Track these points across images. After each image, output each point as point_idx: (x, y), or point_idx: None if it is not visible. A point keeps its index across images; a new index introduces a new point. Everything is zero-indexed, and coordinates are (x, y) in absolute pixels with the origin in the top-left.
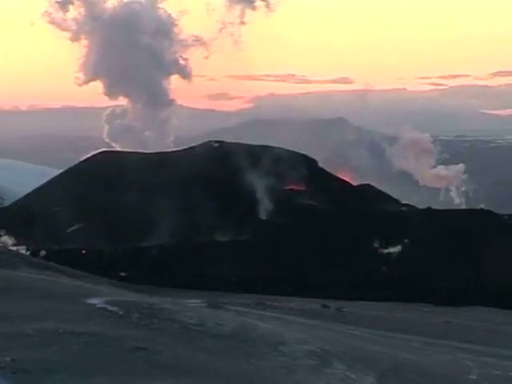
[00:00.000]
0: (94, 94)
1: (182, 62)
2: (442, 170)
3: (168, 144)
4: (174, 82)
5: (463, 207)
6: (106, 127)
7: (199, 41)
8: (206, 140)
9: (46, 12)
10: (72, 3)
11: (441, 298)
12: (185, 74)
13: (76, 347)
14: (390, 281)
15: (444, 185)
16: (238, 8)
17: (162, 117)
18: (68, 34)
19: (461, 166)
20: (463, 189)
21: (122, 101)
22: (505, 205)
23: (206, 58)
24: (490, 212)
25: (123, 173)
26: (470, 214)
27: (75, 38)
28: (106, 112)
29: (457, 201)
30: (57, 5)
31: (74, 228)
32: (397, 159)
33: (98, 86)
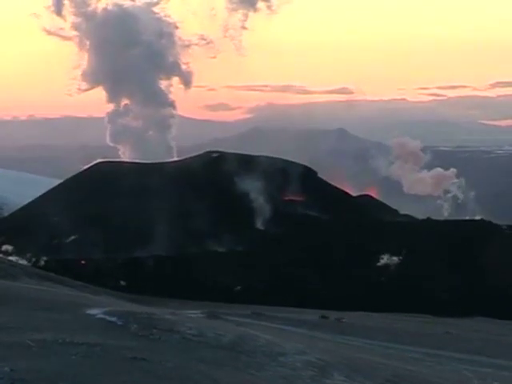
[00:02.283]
0: (93, 104)
1: (183, 68)
2: (440, 180)
3: (167, 152)
4: (175, 91)
5: (462, 217)
6: (108, 130)
7: (200, 47)
8: (204, 150)
9: (44, 22)
10: (70, 11)
11: (440, 308)
12: (186, 81)
13: (75, 357)
14: (389, 291)
15: (442, 194)
16: (237, 19)
17: (162, 121)
18: (67, 42)
19: (459, 177)
20: (461, 198)
21: (123, 106)
22: (504, 215)
23: (207, 66)
24: (490, 222)
25: (121, 183)
26: (470, 224)
27: (75, 46)
28: (108, 115)
29: (455, 211)
30: (54, 13)
31: (72, 238)
32: (396, 169)
33: (96, 94)
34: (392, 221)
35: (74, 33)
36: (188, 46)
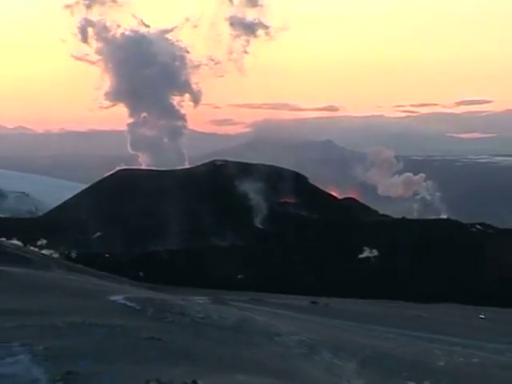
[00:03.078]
0: (115, 119)
1: (193, 87)
2: (410, 183)
3: (179, 160)
4: (186, 107)
5: (429, 217)
6: (129, 140)
7: (209, 68)
8: (210, 159)
9: (73, 48)
10: (93, 37)
11: (412, 295)
12: (195, 99)
13: (99, 337)
14: (370, 281)
15: (415, 197)
16: (240, 44)
17: (174, 133)
18: (93, 66)
19: (427, 181)
20: (429, 200)
21: (141, 119)
22: (467, 215)
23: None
24: (455, 221)
25: (139, 187)
26: (438, 222)
27: (100, 69)
28: (128, 127)
29: (424, 210)
30: (80, 40)
31: (98, 235)
32: (376, 175)
33: (117, 110)
34: (372, 220)
35: (98, 57)
36: (198, 67)
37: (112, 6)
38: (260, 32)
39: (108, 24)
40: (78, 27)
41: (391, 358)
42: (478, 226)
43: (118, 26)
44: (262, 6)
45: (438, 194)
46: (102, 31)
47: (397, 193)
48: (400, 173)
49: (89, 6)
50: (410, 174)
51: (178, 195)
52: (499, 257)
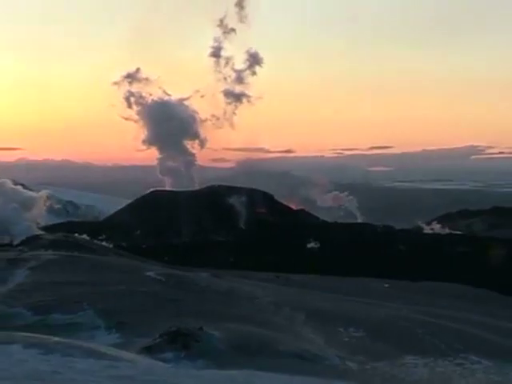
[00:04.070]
0: (150, 157)
1: (201, 136)
2: (340, 199)
3: (191, 184)
4: (195, 148)
5: (352, 221)
6: (158, 170)
7: (210, 124)
8: (211, 184)
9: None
10: (135, 104)
11: (344, 272)
12: (201, 144)
13: (139, 299)
14: (314, 262)
15: (341, 207)
16: (231, 108)
17: (187, 165)
18: (133, 123)
19: (351, 197)
20: (351, 209)
21: (166, 157)
22: (376, 219)
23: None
24: (368, 224)
25: (164, 201)
26: (357, 224)
27: (139, 125)
28: (159, 161)
29: (347, 216)
30: (126, 106)
31: (138, 232)
32: (317, 193)
33: (151, 152)
34: (315, 223)
35: (137, 117)
36: (204, 122)
37: (146, 82)
38: (244, 100)
39: (143, 94)
40: (124, 97)
41: (330, 313)
42: (382, 227)
43: (150, 95)
44: (246, 83)
45: (356, 205)
46: (140, 99)
47: (330, 204)
48: (332, 191)
49: (130, 82)
50: (338, 192)
51: (190, 206)
52: (396, 246)
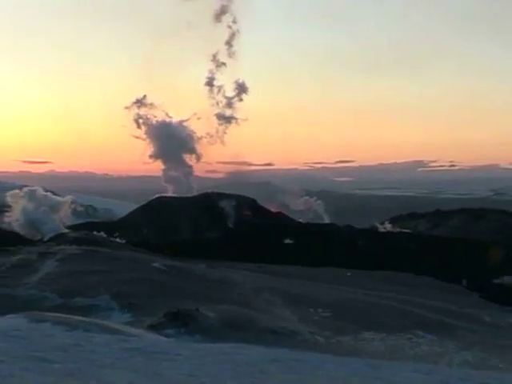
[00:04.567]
0: (155, 168)
1: (197, 151)
2: (311, 203)
3: (189, 191)
4: (192, 161)
5: (320, 221)
6: (163, 179)
7: (205, 141)
8: (205, 191)
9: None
10: (143, 125)
11: (313, 263)
12: (198, 157)
13: (146, 285)
14: (290, 255)
15: (311, 210)
16: (222, 129)
17: (186, 175)
18: (141, 141)
19: (319, 201)
20: (319, 211)
21: (169, 167)
22: (340, 220)
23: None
24: (333, 224)
25: (168, 206)
26: (325, 224)
27: (146, 142)
28: (163, 172)
29: (317, 217)
30: (136, 126)
31: (146, 231)
32: (292, 199)
33: (156, 164)
34: (291, 223)
35: (145, 136)
36: (200, 139)
37: (151, 107)
38: (233, 121)
39: (149, 117)
40: (133, 119)
41: (302, 296)
42: (344, 226)
43: (155, 117)
44: (234, 107)
45: (323, 208)
46: (147, 121)
47: (302, 208)
48: (304, 197)
49: (138, 107)
50: (308, 198)
51: (188, 209)
52: (355, 242)
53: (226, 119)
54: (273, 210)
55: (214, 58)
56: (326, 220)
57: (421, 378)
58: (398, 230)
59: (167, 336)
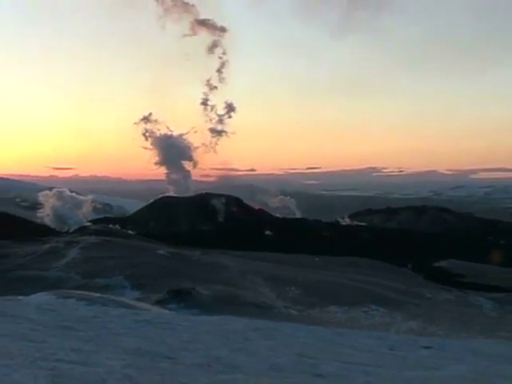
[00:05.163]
0: (159, 173)
1: (194, 159)
2: (283, 202)
3: (187, 191)
4: (190, 167)
5: (293, 216)
6: (166, 180)
7: (201, 151)
8: (200, 192)
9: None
10: (150, 137)
11: (290, 251)
12: (194, 164)
13: (153, 268)
14: (270, 245)
15: (285, 207)
16: (213, 141)
17: (184, 179)
18: (148, 151)
19: (292, 200)
20: (291, 208)
21: (171, 172)
22: (310, 215)
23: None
24: (304, 218)
25: (170, 204)
26: (297, 219)
27: (152, 152)
28: (166, 175)
29: (290, 213)
30: (144, 139)
31: (152, 224)
32: (270, 198)
33: (160, 169)
34: (270, 219)
35: (151, 146)
36: (196, 149)
37: (156, 123)
38: (223, 135)
39: (154, 130)
40: (141, 133)
41: (279, 277)
42: (313, 220)
43: (159, 130)
44: (224, 123)
45: (296, 206)
46: (152, 134)
47: (278, 205)
48: (280, 196)
49: (145, 123)
50: (283, 197)
51: (186, 207)
52: (322, 233)
53: (217, 133)
54: (255, 207)
55: (208, 82)
56: (298, 215)
57: (374, 343)
58: (355, 223)
59: (170, 309)
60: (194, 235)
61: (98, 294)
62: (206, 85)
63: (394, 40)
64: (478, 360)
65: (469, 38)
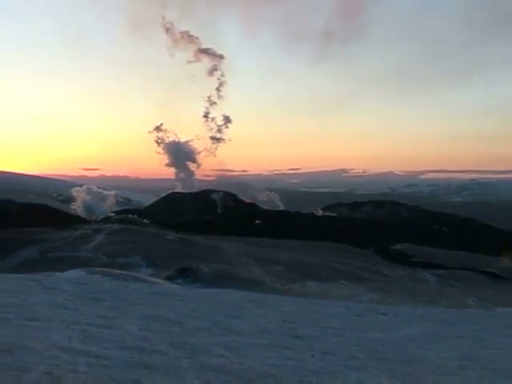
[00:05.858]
0: (170, 172)
1: (198, 161)
2: (270, 196)
3: (192, 187)
4: (194, 168)
5: (277, 208)
6: (175, 178)
7: (204, 154)
8: (202, 189)
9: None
10: (162, 143)
11: (278, 237)
12: (198, 165)
13: (164, 250)
14: (261, 231)
15: (269, 200)
16: (213, 147)
17: (190, 177)
18: (161, 155)
19: (276, 195)
20: (275, 201)
21: (179, 171)
22: (292, 207)
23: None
24: (286, 210)
25: (178, 198)
26: (280, 211)
27: (163, 156)
28: (175, 175)
29: (274, 206)
30: (157, 145)
31: (163, 214)
32: (258, 193)
33: (170, 169)
34: (260, 211)
35: (164, 151)
36: (199, 153)
37: (166, 131)
38: (221, 141)
39: (165, 138)
40: (154, 140)
41: (267, 258)
42: (294, 212)
43: (168, 137)
44: (223, 132)
45: (279, 200)
46: (163, 141)
47: (266, 199)
48: (266, 192)
49: (158, 132)
50: (269, 192)
51: (192, 201)
52: (302, 222)
53: (216, 140)
54: (247, 201)
55: (209, 98)
56: (282, 208)
57: (342, 311)
58: (328, 214)
59: (177, 284)
60: (198, 224)
61: (119, 271)
62: (207, 101)
63: (360, 67)
64: (424, 324)
65: (417, 66)
